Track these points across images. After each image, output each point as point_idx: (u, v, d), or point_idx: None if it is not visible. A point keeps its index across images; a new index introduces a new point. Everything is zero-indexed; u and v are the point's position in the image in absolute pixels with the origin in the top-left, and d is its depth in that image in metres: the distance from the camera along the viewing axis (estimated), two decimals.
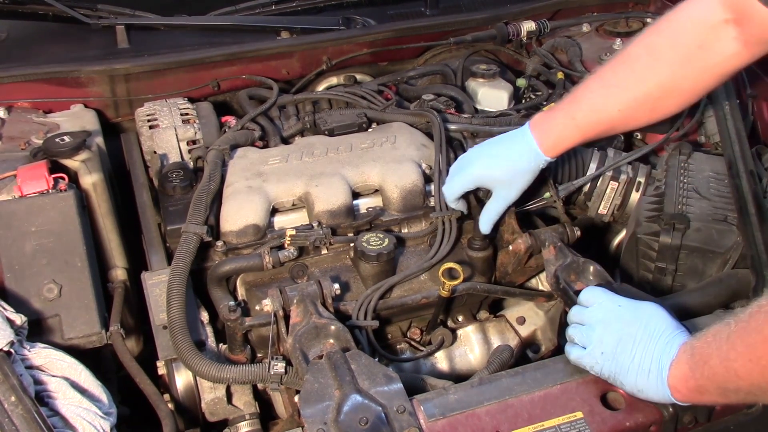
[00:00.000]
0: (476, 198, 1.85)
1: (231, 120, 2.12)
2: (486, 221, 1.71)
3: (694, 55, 1.50)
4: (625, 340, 1.33)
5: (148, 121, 2.05)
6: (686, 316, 1.49)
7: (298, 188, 1.79)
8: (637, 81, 1.56)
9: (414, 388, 1.42)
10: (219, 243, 1.71)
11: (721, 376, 1.19)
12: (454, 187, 1.73)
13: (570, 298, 1.55)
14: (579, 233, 1.69)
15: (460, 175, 1.72)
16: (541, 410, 1.35)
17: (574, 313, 1.44)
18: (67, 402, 1.43)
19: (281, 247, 1.68)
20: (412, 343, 1.74)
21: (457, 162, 1.78)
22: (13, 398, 1.28)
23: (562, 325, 1.70)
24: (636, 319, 1.35)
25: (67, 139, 1.88)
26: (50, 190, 1.76)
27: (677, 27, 1.52)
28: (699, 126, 2.11)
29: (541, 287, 1.79)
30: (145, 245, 1.84)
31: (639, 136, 2.21)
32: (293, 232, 1.67)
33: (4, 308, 1.51)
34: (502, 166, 1.68)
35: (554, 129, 1.65)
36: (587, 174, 1.96)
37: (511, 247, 1.68)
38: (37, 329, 1.61)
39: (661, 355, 1.29)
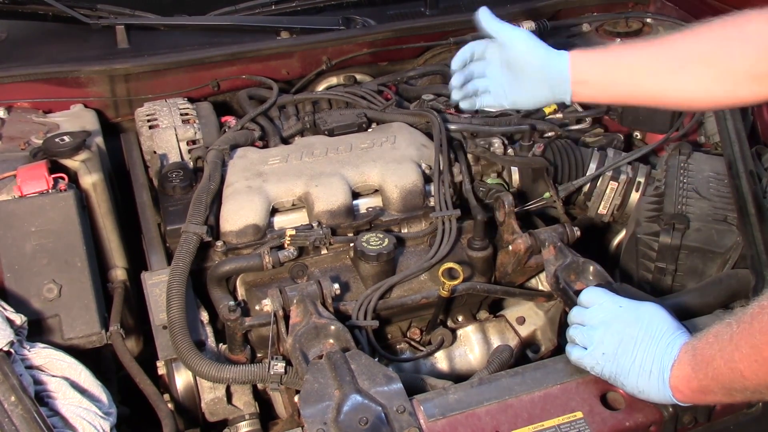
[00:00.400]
0: (476, 197, 1.85)
1: (231, 120, 2.13)
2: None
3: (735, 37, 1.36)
4: (626, 341, 1.33)
5: (148, 121, 2.05)
6: (686, 316, 1.49)
7: (298, 188, 1.79)
8: (674, 38, 1.45)
9: (414, 388, 1.42)
10: (219, 243, 1.71)
11: (726, 377, 1.19)
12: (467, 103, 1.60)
13: (570, 298, 1.55)
14: (579, 233, 1.69)
15: (472, 92, 1.58)
16: (541, 410, 1.35)
17: (574, 314, 1.44)
18: (67, 402, 1.43)
19: (281, 247, 1.68)
20: (412, 343, 1.74)
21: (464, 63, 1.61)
22: (13, 398, 1.28)
23: (562, 325, 1.70)
24: (637, 320, 1.35)
25: (67, 139, 1.88)
26: (50, 190, 1.76)
27: (737, 22, 1.38)
28: (699, 126, 2.11)
29: (541, 287, 1.79)
30: (145, 245, 1.84)
31: (639, 136, 2.21)
32: (293, 232, 1.67)
33: (4, 308, 1.51)
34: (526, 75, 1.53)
35: (587, 51, 1.52)
36: (587, 174, 1.96)
37: (511, 247, 1.68)
38: (37, 329, 1.61)
39: (663, 356, 1.29)
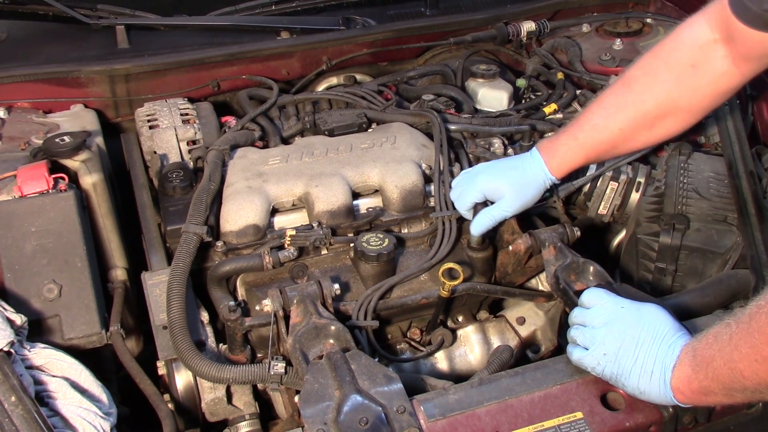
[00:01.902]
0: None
1: (231, 120, 2.12)
2: (479, 225, 1.69)
3: (688, 74, 1.54)
4: (627, 342, 1.33)
5: (148, 121, 2.05)
6: (686, 316, 1.49)
7: (298, 188, 1.79)
8: (635, 101, 1.60)
9: (414, 388, 1.42)
10: (219, 243, 1.71)
11: (726, 377, 1.20)
12: (465, 199, 1.72)
13: (570, 299, 1.54)
14: (579, 233, 1.69)
15: (469, 186, 1.72)
16: (541, 410, 1.35)
17: (575, 315, 1.45)
18: (67, 402, 1.43)
19: (281, 248, 1.68)
20: (412, 343, 1.74)
21: (462, 174, 1.78)
22: (13, 398, 1.28)
23: (562, 325, 1.70)
24: (638, 320, 1.35)
25: (67, 139, 1.88)
26: (50, 190, 1.76)
27: (671, 49, 1.57)
28: (699, 126, 2.11)
29: (541, 287, 1.79)
30: (145, 245, 1.84)
31: None
32: (293, 233, 1.67)
33: (4, 308, 1.51)
34: (509, 177, 1.69)
35: (559, 149, 1.69)
36: (587, 174, 1.96)
37: (511, 247, 1.68)
38: (37, 329, 1.61)
39: (664, 357, 1.29)
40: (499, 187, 1.68)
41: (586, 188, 1.98)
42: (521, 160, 1.73)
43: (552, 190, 1.87)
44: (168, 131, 2.01)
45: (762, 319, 1.13)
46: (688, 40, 1.54)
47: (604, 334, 1.36)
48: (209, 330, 1.65)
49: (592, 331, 1.38)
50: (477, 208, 1.72)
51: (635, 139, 1.66)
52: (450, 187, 1.81)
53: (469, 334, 1.77)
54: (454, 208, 1.77)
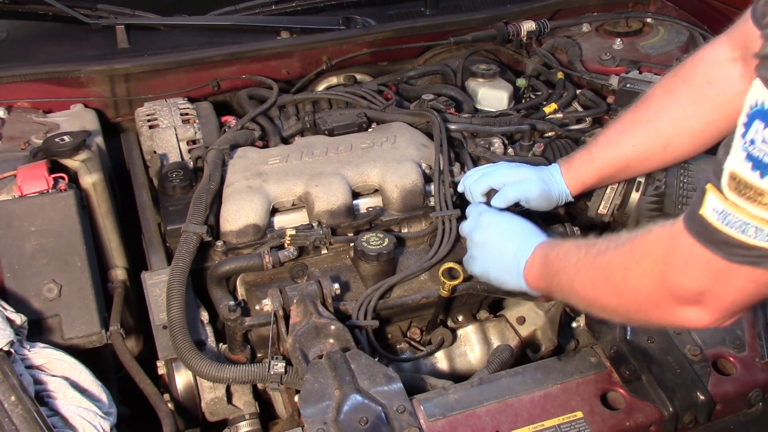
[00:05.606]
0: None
1: (231, 120, 2.12)
2: (502, 199, 1.70)
3: (704, 91, 1.53)
4: (486, 243, 1.56)
5: (148, 121, 2.05)
6: None
7: (298, 188, 1.79)
8: (650, 117, 1.61)
9: (414, 388, 1.42)
10: (219, 243, 1.71)
11: (566, 291, 1.35)
12: (482, 183, 1.73)
13: None
14: (579, 233, 1.69)
15: (493, 170, 1.74)
16: (541, 410, 1.35)
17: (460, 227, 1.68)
18: (67, 402, 1.43)
19: (281, 247, 1.68)
20: (412, 343, 1.74)
21: (478, 168, 1.80)
22: (13, 398, 1.28)
23: (562, 325, 1.70)
24: (494, 223, 1.57)
25: (67, 139, 1.88)
26: (50, 190, 1.76)
27: (691, 67, 1.57)
28: None
29: None
30: (145, 245, 1.84)
31: None
32: (293, 232, 1.67)
33: (4, 308, 1.51)
34: (535, 173, 1.71)
35: (574, 163, 1.72)
36: None
37: None
38: (37, 329, 1.61)
39: (516, 252, 1.48)
40: (518, 175, 1.71)
41: None
42: (541, 168, 1.75)
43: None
44: (168, 131, 2.01)
45: (605, 260, 1.24)
46: (708, 58, 1.53)
47: (470, 240, 1.60)
48: (209, 330, 1.65)
49: (467, 239, 1.61)
50: (491, 193, 1.72)
51: (650, 159, 1.65)
52: (450, 186, 1.81)
53: (469, 333, 1.77)
54: (455, 207, 1.77)
